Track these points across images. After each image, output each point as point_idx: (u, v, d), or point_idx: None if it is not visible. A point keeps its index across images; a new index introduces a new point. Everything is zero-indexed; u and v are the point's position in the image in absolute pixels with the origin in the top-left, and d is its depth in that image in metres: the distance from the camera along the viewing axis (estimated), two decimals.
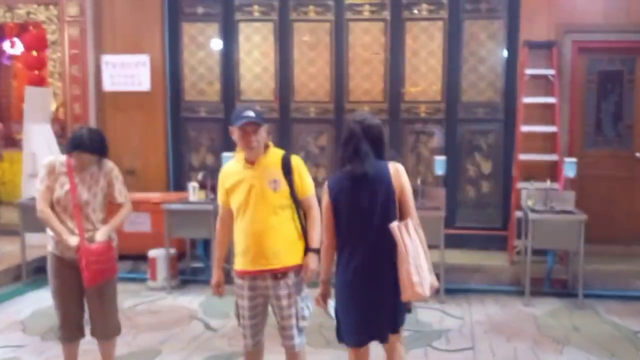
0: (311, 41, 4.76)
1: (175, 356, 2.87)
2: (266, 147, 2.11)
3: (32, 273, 4.09)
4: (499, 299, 3.72)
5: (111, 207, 2.39)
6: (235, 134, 2.06)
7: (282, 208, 2.06)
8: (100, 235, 2.28)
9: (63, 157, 2.32)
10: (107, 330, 2.39)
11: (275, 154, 2.12)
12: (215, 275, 2.19)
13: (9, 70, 7.06)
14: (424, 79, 4.65)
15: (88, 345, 2.47)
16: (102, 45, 4.88)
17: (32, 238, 4.00)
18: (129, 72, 4.80)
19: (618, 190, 4.41)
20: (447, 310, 3.49)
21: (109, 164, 2.36)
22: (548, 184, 3.92)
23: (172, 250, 4.02)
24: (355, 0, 4.66)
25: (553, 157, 4.23)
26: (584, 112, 4.49)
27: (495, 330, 3.20)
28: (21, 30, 6.20)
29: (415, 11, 4.62)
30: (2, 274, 4.05)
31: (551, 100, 4.25)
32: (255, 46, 4.83)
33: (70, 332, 2.35)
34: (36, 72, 5.70)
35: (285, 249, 2.06)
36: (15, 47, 6.54)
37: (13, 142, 6.28)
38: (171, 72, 4.88)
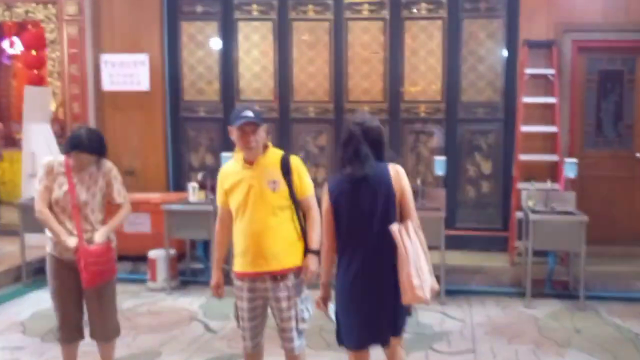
0: (310, 40, 4.75)
1: (174, 358, 2.86)
2: (265, 147, 2.10)
3: (32, 274, 4.08)
4: (500, 301, 3.71)
5: (110, 207, 2.38)
6: (234, 134, 2.05)
7: (281, 209, 2.04)
8: (99, 236, 2.26)
9: (61, 157, 2.31)
10: (106, 332, 2.38)
11: (274, 154, 2.11)
12: (215, 276, 2.18)
13: (9, 70, 7.04)
14: (424, 79, 4.64)
15: (87, 347, 2.46)
16: (101, 44, 4.86)
17: (32, 238, 3.98)
18: (128, 72, 4.78)
19: (618, 190, 4.39)
20: (447, 312, 3.48)
21: (107, 164, 2.35)
22: (548, 184, 3.91)
23: (172, 251, 4.01)
24: None
25: (553, 158, 4.22)
26: (584, 112, 4.47)
27: (496, 332, 3.19)
28: (20, 29, 6.18)
29: (415, 10, 4.60)
30: (2, 274, 4.03)
31: (551, 100, 4.23)
32: (255, 45, 4.81)
33: (69, 333, 2.34)
34: (35, 71, 5.68)
35: (285, 250, 2.05)
36: (14, 47, 6.52)
37: (13, 142, 6.27)
38: (170, 71, 4.86)
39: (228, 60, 4.83)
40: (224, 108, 4.81)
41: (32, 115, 4.64)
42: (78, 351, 2.42)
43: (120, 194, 2.37)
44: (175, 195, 4.44)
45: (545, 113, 4.28)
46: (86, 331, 2.39)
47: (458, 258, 4.16)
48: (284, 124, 4.83)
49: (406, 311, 1.92)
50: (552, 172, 4.18)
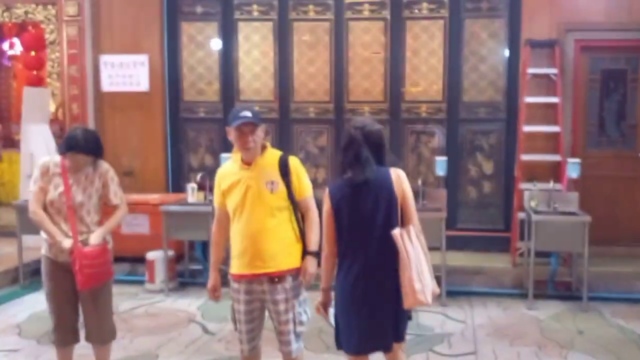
0: (311, 40, 4.72)
1: None
2: (263, 147, 2.07)
3: (30, 275, 4.06)
4: (502, 302, 3.68)
5: (107, 209, 2.35)
6: (232, 134, 2.02)
7: (279, 210, 2.02)
8: (95, 238, 2.24)
9: (58, 158, 2.28)
10: (102, 335, 2.35)
11: (273, 154, 2.08)
12: (212, 279, 2.15)
13: (9, 71, 7.05)
14: (425, 79, 4.61)
15: (83, 350, 2.44)
16: (101, 45, 4.85)
17: (29, 240, 3.96)
18: (127, 72, 4.77)
19: (622, 190, 4.35)
20: (448, 314, 3.45)
21: (104, 165, 2.33)
22: (551, 184, 3.88)
23: (171, 252, 3.99)
24: None
25: (556, 158, 4.18)
26: (587, 112, 4.44)
27: (498, 334, 3.15)
28: (20, 30, 6.18)
29: (416, 10, 4.58)
30: None
31: (553, 99, 4.20)
32: (255, 46, 4.79)
33: (64, 335, 2.32)
34: (35, 72, 5.68)
35: (283, 251, 2.02)
36: (14, 48, 6.51)
37: (12, 143, 6.26)
38: (170, 72, 4.84)
39: (228, 60, 4.82)
40: (224, 109, 4.79)
41: (31, 116, 4.63)
42: (74, 354, 2.39)
43: (116, 195, 2.34)
44: (174, 196, 4.41)
45: (548, 113, 4.25)
46: (82, 334, 2.36)
47: (459, 259, 4.12)
48: (284, 124, 4.80)
49: (407, 315, 1.90)
50: (555, 172, 4.14)
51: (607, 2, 4.19)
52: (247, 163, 2.04)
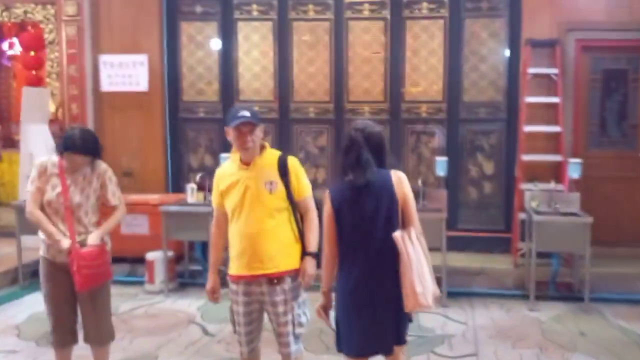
0: (310, 40, 4.71)
1: None
2: (262, 147, 2.06)
3: (29, 276, 4.04)
4: (503, 303, 3.66)
5: (105, 209, 2.34)
6: (230, 134, 2.01)
7: (278, 210, 2.00)
8: (92, 238, 2.22)
9: (55, 158, 2.26)
10: (100, 336, 2.34)
11: (272, 154, 2.07)
12: (210, 280, 2.13)
13: (9, 71, 7.03)
14: (425, 79, 4.60)
15: (82, 351, 2.42)
16: (100, 44, 4.83)
17: (29, 240, 3.94)
18: (126, 72, 4.76)
19: (623, 191, 4.33)
20: (449, 315, 3.43)
21: (102, 165, 2.31)
22: (552, 185, 3.86)
23: (170, 253, 3.97)
24: None
25: (557, 158, 4.17)
26: (588, 112, 4.42)
27: (500, 336, 3.13)
28: (20, 30, 6.17)
29: (416, 10, 4.56)
30: None
31: (554, 99, 4.18)
32: (254, 45, 4.78)
33: (62, 337, 2.31)
34: (34, 72, 5.67)
35: (282, 252, 2.00)
36: (14, 48, 6.50)
37: (12, 143, 6.25)
38: (169, 72, 4.83)
39: (228, 60, 4.80)
40: (224, 109, 4.77)
41: (30, 116, 4.62)
42: (72, 355, 2.38)
43: (115, 195, 2.33)
44: (173, 197, 4.40)
45: (549, 113, 4.23)
46: (80, 335, 2.34)
47: (460, 260, 4.11)
48: (283, 124, 4.79)
49: (408, 318, 1.89)
50: (556, 172, 4.12)
51: (608, 2, 4.17)
52: (245, 163, 2.03)
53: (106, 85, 4.83)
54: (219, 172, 2.12)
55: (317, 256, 2.03)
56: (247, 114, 1.97)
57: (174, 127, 4.90)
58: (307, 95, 4.75)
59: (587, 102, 4.41)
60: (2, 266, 4.14)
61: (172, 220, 3.85)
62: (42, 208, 2.22)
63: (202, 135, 4.92)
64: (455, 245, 4.02)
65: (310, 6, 4.69)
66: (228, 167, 2.09)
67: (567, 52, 4.26)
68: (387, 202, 1.80)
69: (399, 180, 1.84)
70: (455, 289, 3.76)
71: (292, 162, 2.05)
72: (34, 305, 3.59)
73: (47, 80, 5.02)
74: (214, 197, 2.11)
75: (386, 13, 4.60)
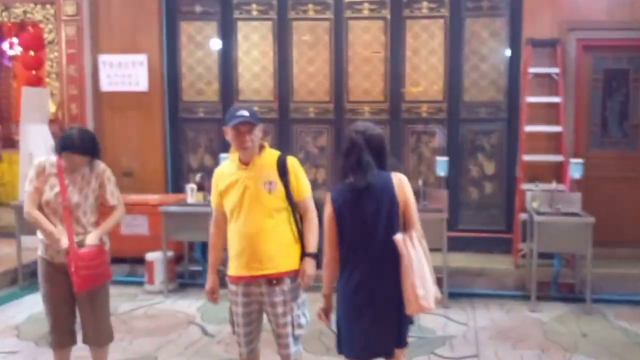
0: (310, 40, 4.70)
1: None
2: (261, 147, 2.04)
3: (29, 276, 4.03)
4: (504, 304, 3.64)
5: (105, 210, 2.32)
6: (229, 134, 1.99)
7: (277, 210, 1.99)
8: (90, 239, 2.21)
9: (54, 158, 2.25)
10: (99, 337, 2.32)
11: (271, 154, 2.05)
12: (210, 280, 2.12)
13: (9, 71, 7.03)
14: (425, 78, 4.58)
15: (80, 352, 2.41)
16: (99, 44, 4.82)
17: (28, 241, 3.93)
18: (126, 72, 4.74)
19: (625, 191, 4.31)
20: (450, 316, 3.42)
21: (101, 165, 2.30)
22: (553, 185, 3.84)
23: (170, 253, 3.96)
24: None
25: (558, 158, 4.15)
26: (590, 112, 4.40)
27: (501, 337, 3.12)
28: (20, 30, 6.16)
29: (416, 9, 4.54)
30: None
31: (556, 99, 4.16)
32: (254, 45, 4.77)
33: (61, 338, 2.29)
34: (33, 72, 5.66)
35: (281, 252, 1.99)
36: (14, 48, 6.50)
37: (12, 143, 6.24)
38: (169, 71, 4.82)
39: (227, 60, 4.79)
40: (223, 109, 4.76)
41: (30, 116, 4.61)
42: (71, 356, 2.37)
43: (113, 195, 2.31)
44: (173, 197, 4.39)
45: (550, 113, 4.21)
46: (79, 336, 2.33)
47: (461, 260, 4.09)
48: (283, 124, 4.78)
49: (409, 320, 1.88)
50: (557, 172, 4.10)
51: (609, 1, 4.15)
52: (244, 163, 2.01)
53: (106, 85, 4.82)
54: (217, 172, 2.11)
55: (316, 257, 2.02)
56: (245, 113, 1.96)
57: (174, 127, 4.89)
58: (307, 95, 4.74)
59: (588, 102, 4.39)
60: (2, 266, 4.13)
61: (172, 221, 3.83)
62: (40, 208, 2.21)
63: (201, 135, 4.91)
64: (456, 245, 4.00)
65: (310, 6, 4.67)
66: (227, 167, 2.08)
67: (568, 52, 4.24)
68: (388, 205, 1.80)
69: (400, 182, 1.84)
70: (456, 290, 3.75)
71: (292, 162, 2.04)
72: (33, 305, 3.58)
73: (47, 80, 5.01)
74: (213, 197, 2.10)
75: (386, 12, 4.58)
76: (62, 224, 2.19)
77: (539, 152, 4.18)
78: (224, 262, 2.13)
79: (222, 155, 3.75)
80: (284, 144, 4.62)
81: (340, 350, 1.92)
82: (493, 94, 4.52)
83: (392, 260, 1.77)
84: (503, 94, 4.50)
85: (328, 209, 1.85)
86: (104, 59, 4.79)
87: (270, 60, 4.74)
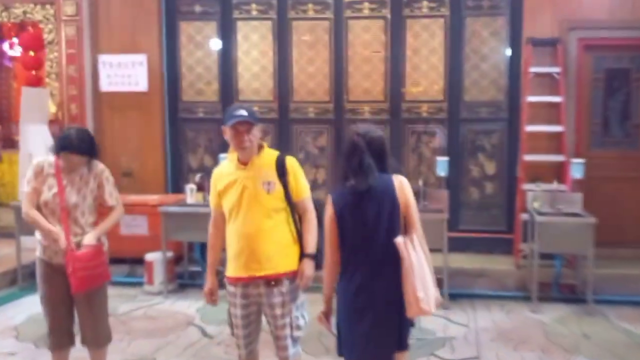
0: (310, 40, 4.68)
1: None
2: (260, 147, 2.03)
3: (28, 277, 4.01)
4: (505, 305, 3.62)
5: (103, 210, 2.31)
6: (227, 133, 1.98)
7: (276, 211, 1.98)
8: (88, 239, 2.19)
9: (52, 158, 2.24)
10: (97, 338, 2.31)
11: (270, 154, 2.04)
12: (208, 282, 2.11)
13: (10, 72, 7.03)
14: (426, 78, 4.57)
15: (79, 353, 2.40)
16: (99, 44, 4.82)
17: (28, 241, 3.92)
18: (126, 72, 4.74)
19: (627, 191, 4.29)
20: (451, 317, 3.40)
21: (99, 165, 2.29)
22: (555, 185, 3.82)
23: (170, 254, 3.95)
24: None
25: (559, 158, 4.13)
26: (591, 111, 4.38)
27: (502, 338, 3.10)
28: (20, 30, 6.16)
29: (416, 8, 4.53)
30: None
31: (557, 99, 4.15)
32: (254, 45, 4.76)
33: (59, 339, 2.28)
34: (33, 72, 5.66)
35: (279, 253, 1.98)
36: (14, 48, 6.50)
37: (12, 144, 6.24)
38: (169, 72, 4.81)
39: (227, 60, 4.78)
40: (223, 109, 4.73)
41: (30, 116, 4.60)
42: (69, 358, 2.36)
43: (112, 196, 2.30)
44: (173, 197, 4.38)
45: (551, 112, 4.19)
46: (77, 337, 2.32)
47: (461, 261, 4.07)
48: (283, 124, 4.77)
49: (410, 323, 1.87)
50: (558, 172, 4.09)
51: (610, 0, 4.13)
52: (243, 163, 2.00)
53: (105, 86, 4.81)
54: (216, 172, 2.09)
55: (315, 257, 2.00)
56: (244, 113, 1.95)
57: (174, 128, 4.88)
58: (307, 95, 4.72)
59: (589, 101, 4.37)
60: (1, 267, 4.13)
61: (172, 221, 3.82)
62: (38, 209, 2.20)
63: (201, 136, 4.90)
64: (457, 246, 3.98)
65: (310, 5, 4.66)
66: (225, 166, 2.07)
67: (569, 51, 4.22)
68: (389, 207, 1.79)
69: (401, 185, 1.83)
70: (456, 291, 3.73)
71: (291, 162, 2.03)
72: (32, 306, 3.57)
73: (47, 80, 5.00)
74: (212, 198, 2.09)
75: (386, 12, 4.57)
76: (60, 224, 2.18)
77: (540, 152, 4.16)
78: (223, 262, 2.12)
79: (222, 155, 3.72)
80: (283, 144, 4.61)
81: (341, 353, 1.91)
82: (494, 94, 4.50)
83: (393, 263, 1.76)
84: (504, 93, 4.48)
85: (329, 212, 1.85)
86: (103, 59, 4.78)
87: (270, 60, 4.73)
